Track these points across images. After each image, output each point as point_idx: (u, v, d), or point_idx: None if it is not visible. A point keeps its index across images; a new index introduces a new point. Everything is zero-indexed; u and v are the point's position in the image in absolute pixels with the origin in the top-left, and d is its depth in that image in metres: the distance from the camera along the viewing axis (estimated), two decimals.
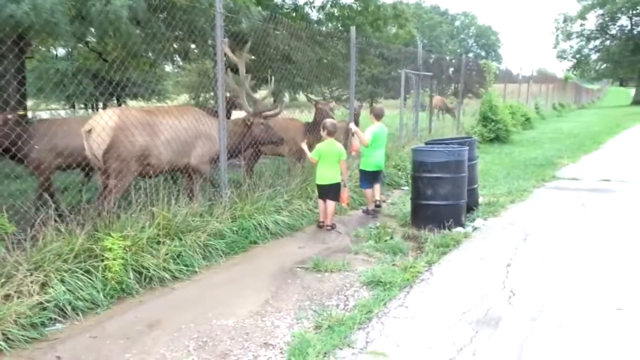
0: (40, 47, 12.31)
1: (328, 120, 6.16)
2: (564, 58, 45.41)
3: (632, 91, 45.94)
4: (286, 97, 12.37)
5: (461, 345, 3.13)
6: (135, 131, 5.07)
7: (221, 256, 4.99)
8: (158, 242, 4.64)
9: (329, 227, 6.05)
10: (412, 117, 11.64)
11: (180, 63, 11.89)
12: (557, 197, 7.28)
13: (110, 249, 4.07)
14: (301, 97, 13.91)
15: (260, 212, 5.80)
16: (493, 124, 14.06)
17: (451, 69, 18.56)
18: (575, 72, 44.29)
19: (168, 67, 16.51)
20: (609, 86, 67.54)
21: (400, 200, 7.51)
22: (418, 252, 5.11)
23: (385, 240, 5.44)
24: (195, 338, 3.40)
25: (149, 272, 4.29)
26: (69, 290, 3.77)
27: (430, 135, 11.76)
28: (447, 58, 19.07)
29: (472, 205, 6.20)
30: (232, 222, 5.50)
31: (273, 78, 6.41)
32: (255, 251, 5.29)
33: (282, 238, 5.72)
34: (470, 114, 17.11)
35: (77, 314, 3.69)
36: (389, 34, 16.68)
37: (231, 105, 9.84)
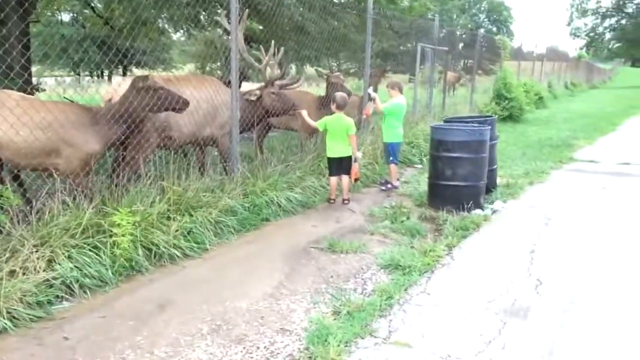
0: (45, 11, 11.98)
1: (338, 94, 5.95)
2: (578, 36, 44.54)
3: None
4: (293, 70, 12.07)
5: (489, 338, 2.96)
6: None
7: (233, 233, 4.82)
8: (168, 218, 4.48)
9: (346, 201, 5.92)
10: (425, 92, 11.34)
11: (190, 31, 11.52)
12: (576, 179, 7.05)
13: (118, 225, 3.90)
14: (308, 69, 13.58)
15: (272, 189, 5.61)
16: (507, 102, 13.71)
17: (461, 44, 18.08)
18: (588, 51, 43.41)
19: (175, 36, 16.15)
20: (620, 66, 66.42)
21: (414, 178, 7.31)
22: (436, 234, 4.93)
23: (402, 221, 5.26)
24: (208, 321, 3.25)
25: (159, 249, 4.13)
26: (76, 267, 3.62)
27: (443, 112, 11.47)
28: (458, 33, 18.55)
29: (490, 187, 5.99)
30: (243, 198, 5.32)
31: (282, 49, 6.08)
32: (267, 229, 5.12)
33: (294, 216, 5.55)
34: (482, 90, 16.75)
35: (85, 292, 3.54)
36: (403, 7, 16.22)
37: (242, 76, 9.59)
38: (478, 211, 5.38)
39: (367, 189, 6.85)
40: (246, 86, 8.30)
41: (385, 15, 10.67)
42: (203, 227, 4.62)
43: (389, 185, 6.79)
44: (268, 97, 5.98)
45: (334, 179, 5.96)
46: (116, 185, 4.42)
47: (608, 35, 44.01)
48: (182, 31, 11.54)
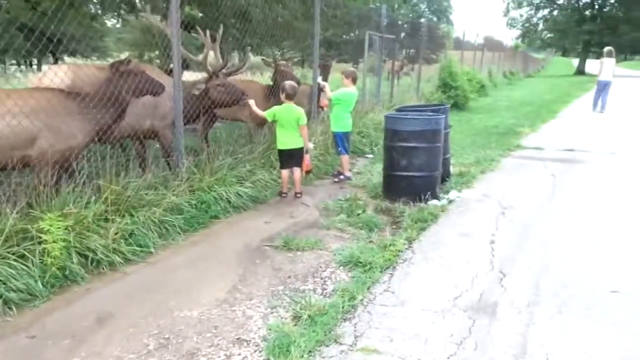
0: None
1: (287, 83, 5.66)
2: (514, 26, 46.09)
3: (575, 61, 47.37)
4: (235, 59, 11.65)
5: (460, 338, 2.82)
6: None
7: (179, 234, 4.47)
8: (106, 220, 4.07)
9: (298, 195, 5.70)
10: (373, 82, 11.22)
11: (124, 17, 10.81)
12: (526, 166, 7.14)
13: (48, 230, 3.47)
14: (252, 58, 13.16)
15: (220, 184, 5.27)
16: (452, 90, 13.88)
17: (402, 34, 18.15)
18: (523, 41, 45.05)
19: (109, 22, 15.27)
20: (552, 56, 69.49)
21: (366, 169, 7.15)
22: (394, 227, 4.77)
23: (358, 214, 5.08)
24: (155, 335, 2.93)
25: (97, 255, 3.73)
26: None
27: (392, 101, 11.41)
28: (399, 22, 18.62)
29: (444, 176, 5.92)
30: (190, 194, 4.96)
31: (220, 34, 5.72)
32: (217, 227, 4.80)
33: (245, 212, 5.24)
34: (425, 79, 16.88)
35: (10, 309, 3.11)
36: None
37: (184, 64, 9.10)
38: (434, 202, 5.28)
39: (320, 181, 6.64)
40: (187, 76, 7.87)
41: (330, 5, 10.43)
42: (146, 228, 4.25)
43: (342, 177, 6.61)
44: (214, 90, 5.63)
45: (285, 172, 5.70)
46: (44, 185, 3.94)
47: (541, 26, 45.72)
48: (114, 16, 10.78)
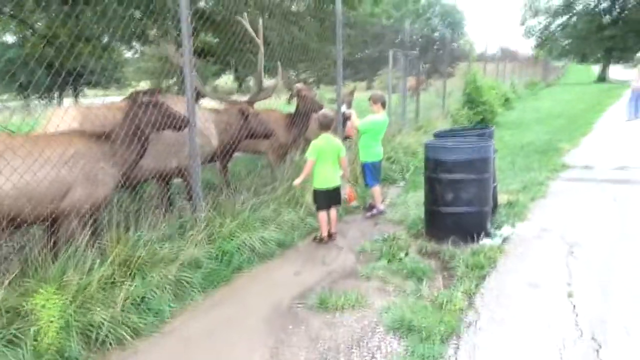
0: None
1: (320, 113, 5.11)
2: (532, 35, 45.21)
3: (594, 68, 46.21)
4: (252, 82, 11.27)
5: None
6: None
7: (198, 292, 3.89)
8: (113, 284, 3.50)
9: (334, 236, 5.13)
10: (396, 101, 10.58)
11: (138, 47, 10.48)
12: (579, 190, 6.40)
13: (43, 306, 2.91)
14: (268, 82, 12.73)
15: (243, 229, 4.70)
16: (479, 106, 13.20)
17: (417, 49, 17.57)
18: (542, 49, 44.15)
19: (128, 53, 15.11)
20: (570, 63, 68.20)
21: (400, 199, 6.51)
22: (446, 275, 4.11)
23: (400, 259, 4.43)
24: None
25: (101, 331, 3.16)
26: None
27: (417, 121, 10.78)
28: (413, 37, 18.11)
29: (492, 207, 5.24)
30: (209, 244, 4.39)
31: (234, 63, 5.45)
32: (240, 282, 4.20)
33: (271, 260, 4.65)
34: (445, 95, 16.17)
35: None
36: (365, 13, 15.58)
37: (197, 93, 8.65)
38: (487, 240, 4.61)
39: (351, 216, 6.02)
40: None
41: (347, 23, 9.92)
42: (160, 290, 3.67)
43: (375, 210, 5.99)
44: (254, 119, 5.45)
45: (324, 214, 5.07)
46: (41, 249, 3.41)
47: (560, 33, 44.75)
48: (128, 48, 10.46)
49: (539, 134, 11.35)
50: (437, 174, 4.66)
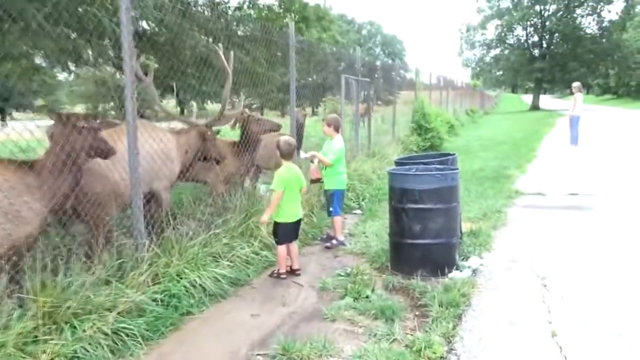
0: None
1: (281, 139, 4.71)
2: (468, 66, 47.34)
3: (524, 97, 48.78)
4: (194, 107, 10.83)
5: None
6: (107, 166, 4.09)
7: (140, 344, 3.35)
8: (36, 340, 2.93)
9: (298, 273, 4.72)
10: (352, 127, 10.37)
11: (73, 69, 9.76)
12: (537, 218, 6.31)
13: None
14: (210, 106, 12.29)
15: (192, 267, 4.20)
16: (428, 132, 13.31)
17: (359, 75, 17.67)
18: (478, 79, 46.23)
19: (60, 75, 14.26)
20: (503, 92, 71.94)
21: (358, 229, 6.19)
22: (418, 314, 3.78)
23: (366, 297, 4.08)
24: None
25: None
26: None
27: (370, 147, 10.62)
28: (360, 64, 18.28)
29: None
30: (154, 285, 3.86)
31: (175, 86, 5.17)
32: (190, 327, 3.70)
33: (225, 300, 4.17)
34: (390, 122, 16.24)
35: None
36: (312, 38, 15.53)
37: (140, 115, 8.07)
38: (456, 273, 4.35)
39: (308, 248, 5.64)
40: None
41: (298, 48, 9.70)
42: (93, 345, 3.12)
43: (334, 242, 5.64)
44: (210, 143, 5.25)
45: (284, 249, 4.65)
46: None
47: (494, 65, 47.05)
48: (62, 69, 9.71)
49: (486, 160, 11.49)
50: (403, 204, 4.37)
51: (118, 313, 3.39)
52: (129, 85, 3.93)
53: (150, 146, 4.47)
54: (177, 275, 4.01)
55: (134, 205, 4.06)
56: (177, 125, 5.72)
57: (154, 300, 3.72)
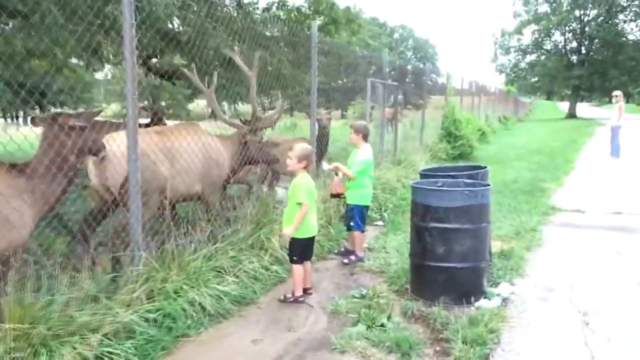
0: None
1: (298, 146, 4.29)
2: (503, 72, 46.07)
3: (559, 104, 47.15)
4: (225, 108, 10.63)
5: None
6: (157, 159, 4.27)
7: None
8: None
9: (310, 292, 4.32)
10: (378, 132, 9.92)
11: (93, 64, 9.65)
12: (576, 239, 5.74)
13: None
14: (241, 107, 12.09)
15: (193, 282, 3.86)
16: (457, 140, 12.74)
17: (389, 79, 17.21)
18: (512, 85, 44.96)
19: (97, 74, 14.39)
20: (537, 99, 69.95)
21: (379, 243, 5.77)
22: (438, 350, 3.34)
23: (382, 325, 3.66)
24: None
25: None
26: None
27: (396, 154, 10.16)
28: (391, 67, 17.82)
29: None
30: (148, 302, 3.54)
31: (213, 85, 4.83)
32: (184, 352, 3.36)
33: (226, 321, 3.82)
34: (419, 127, 15.72)
35: None
36: (343, 41, 15.14)
37: (157, 117, 7.87)
38: (484, 302, 3.89)
39: (323, 262, 5.25)
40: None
41: (321, 52, 9.35)
42: None
43: (353, 257, 5.22)
44: (253, 146, 5.31)
45: (301, 269, 4.24)
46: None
47: (530, 71, 45.68)
48: (86, 65, 9.60)
49: (520, 171, 10.87)
50: (426, 222, 3.93)
51: (104, 335, 3.07)
52: (129, 85, 3.63)
53: (201, 150, 4.73)
54: (175, 292, 3.67)
55: (132, 215, 3.74)
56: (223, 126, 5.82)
57: (146, 320, 3.39)
